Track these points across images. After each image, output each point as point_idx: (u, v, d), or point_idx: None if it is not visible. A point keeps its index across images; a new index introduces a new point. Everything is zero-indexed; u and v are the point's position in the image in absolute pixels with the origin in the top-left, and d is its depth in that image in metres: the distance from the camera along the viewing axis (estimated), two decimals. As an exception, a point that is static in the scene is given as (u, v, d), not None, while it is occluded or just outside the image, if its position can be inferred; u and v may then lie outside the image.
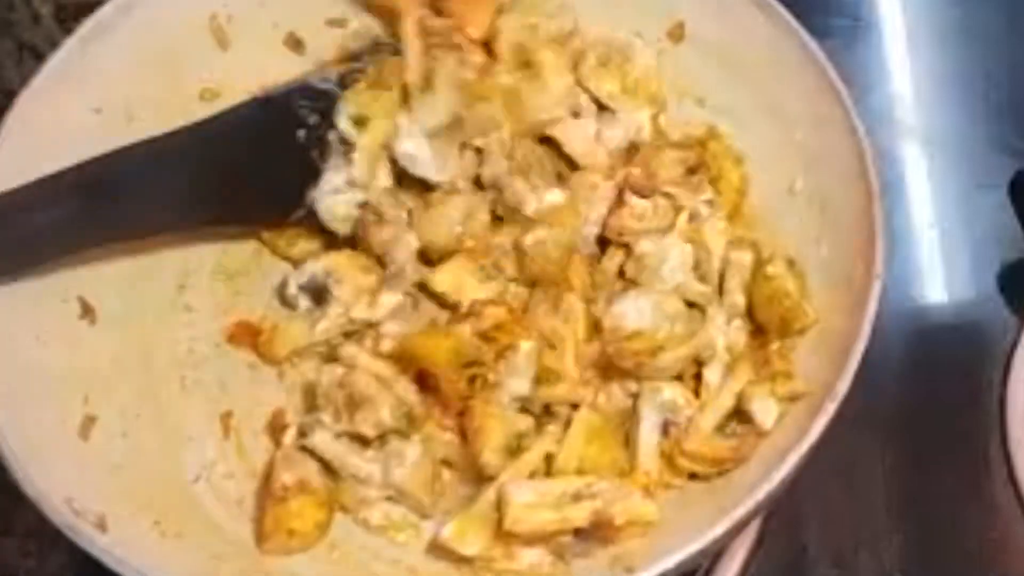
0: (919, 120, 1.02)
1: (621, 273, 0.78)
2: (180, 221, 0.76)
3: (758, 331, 0.77)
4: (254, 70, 0.84)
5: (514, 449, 0.72)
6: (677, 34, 0.84)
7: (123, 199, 0.72)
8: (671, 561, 0.63)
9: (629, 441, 0.74)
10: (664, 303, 0.74)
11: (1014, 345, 0.90)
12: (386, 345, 0.75)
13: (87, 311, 0.76)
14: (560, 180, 0.79)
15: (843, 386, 0.67)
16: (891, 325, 0.91)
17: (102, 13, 0.78)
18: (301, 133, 0.76)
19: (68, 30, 0.78)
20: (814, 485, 0.86)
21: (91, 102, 0.78)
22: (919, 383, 0.90)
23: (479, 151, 0.78)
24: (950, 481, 0.87)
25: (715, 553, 0.82)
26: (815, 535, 0.86)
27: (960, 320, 0.95)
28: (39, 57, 0.76)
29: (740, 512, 0.64)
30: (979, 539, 0.85)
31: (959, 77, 1.03)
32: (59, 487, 0.66)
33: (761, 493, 0.65)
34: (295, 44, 0.85)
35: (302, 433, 0.74)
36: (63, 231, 0.70)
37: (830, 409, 0.67)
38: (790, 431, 0.70)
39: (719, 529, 0.64)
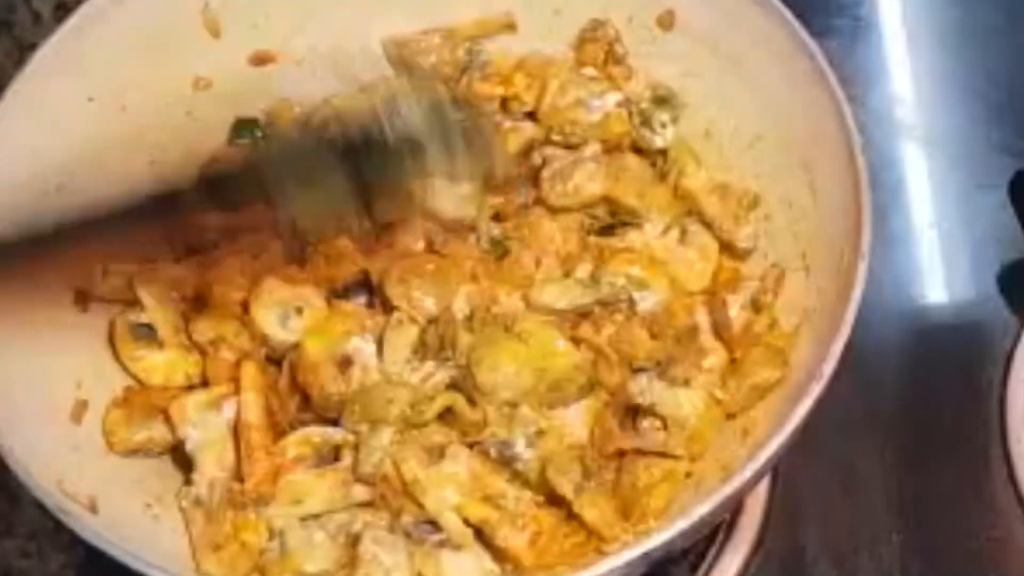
0: (919, 120, 1.02)
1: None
2: None
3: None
4: (247, 59, 0.84)
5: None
6: (667, 21, 0.84)
7: None
8: (649, 544, 0.63)
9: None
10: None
11: (1014, 345, 0.90)
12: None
13: (80, 298, 0.77)
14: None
15: (828, 367, 0.67)
16: (891, 325, 0.92)
17: (94, 2, 0.78)
18: None
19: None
20: (814, 485, 0.87)
21: (84, 90, 0.78)
22: (919, 383, 0.90)
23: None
24: (950, 481, 0.87)
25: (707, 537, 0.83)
26: (815, 535, 0.86)
27: (960, 320, 0.95)
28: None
29: (722, 495, 0.64)
30: (979, 539, 0.85)
31: (959, 77, 1.03)
32: (50, 470, 0.67)
33: (745, 475, 0.65)
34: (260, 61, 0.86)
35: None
36: None
37: (815, 391, 0.66)
38: (774, 416, 0.70)
39: (704, 508, 0.64)
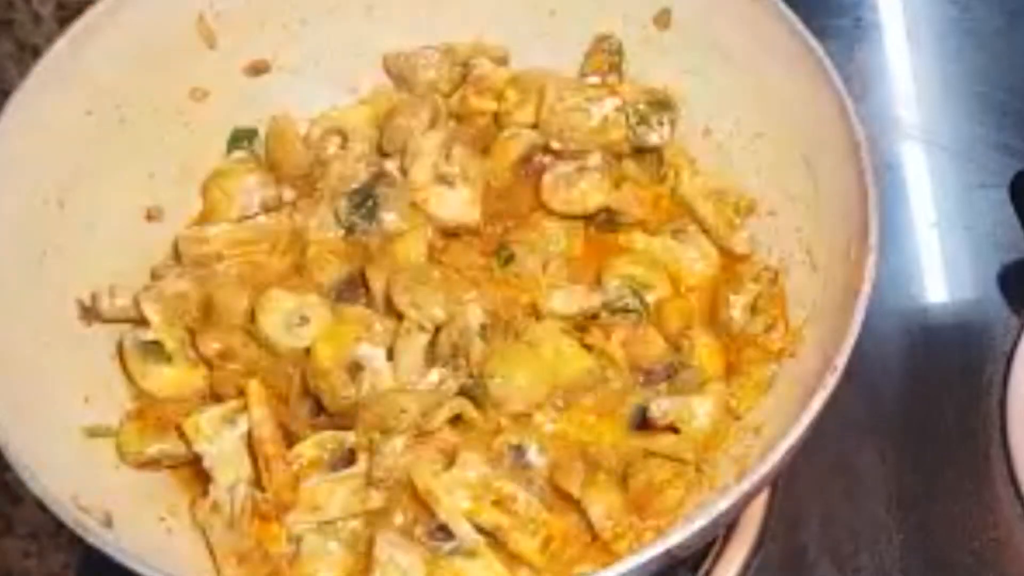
0: (919, 120, 1.02)
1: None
2: None
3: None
4: (243, 69, 0.84)
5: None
6: (664, 20, 0.84)
7: None
8: (670, 542, 0.63)
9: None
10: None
11: (1014, 345, 0.90)
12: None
13: (85, 312, 0.77)
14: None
15: (842, 360, 0.67)
16: (891, 325, 0.92)
17: (89, 16, 0.77)
18: None
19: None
20: (814, 485, 0.87)
21: (82, 105, 0.78)
22: (919, 383, 0.91)
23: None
24: (950, 481, 0.87)
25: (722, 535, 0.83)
26: (815, 535, 0.86)
27: (960, 320, 0.95)
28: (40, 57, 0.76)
29: (740, 491, 0.64)
30: (979, 539, 0.85)
31: (959, 77, 1.03)
32: (64, 485, 0.67)
33: (762, 471, 0.65)
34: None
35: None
36: None
37: (830, 384, 0.66)
38: (785, 412, 0.70)
39: (723, 504, 0.64)
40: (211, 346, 0.75)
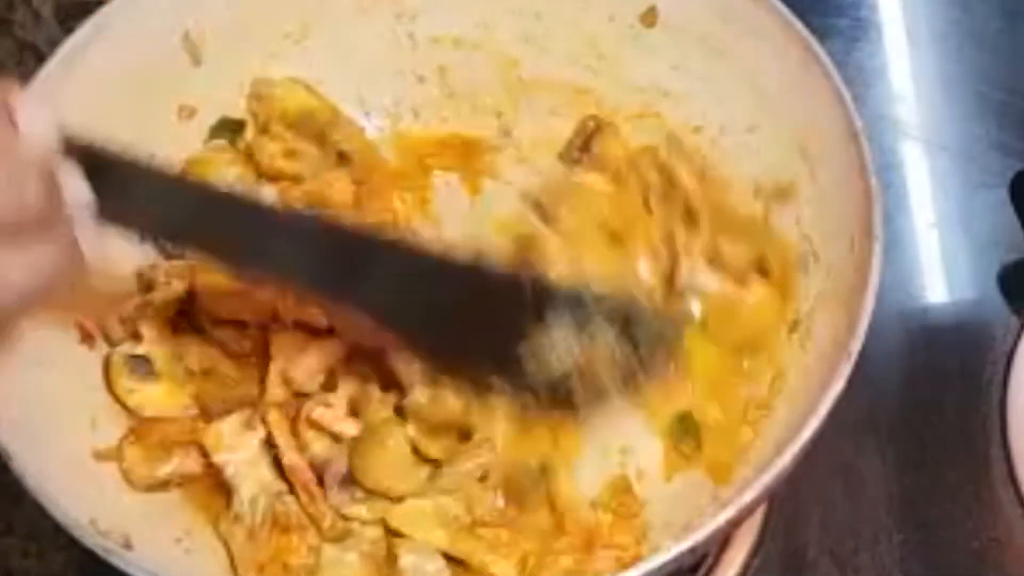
0: (919, 120, 1.02)
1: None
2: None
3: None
4: (229, 85, 0.84)
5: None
6: (650, 19, 0.84)
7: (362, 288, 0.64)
8: (691, 541, 0.63)
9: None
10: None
11: (1014, 345, 0.89)
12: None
13: (86, 336, 0.76)
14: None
15: (856, 346, 0.66)
16: (891, 325, 0.92)
17: (76, 36, 0.77)
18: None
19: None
20: (814, 485, 0.87)
21: (71, 125, 0.77)
22: (919, 383, 0.90)
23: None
24: (950, 481, 0.87)
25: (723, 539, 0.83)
26: (815, 535, 0.86)
27: (960, 320, 0.95)
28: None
29: (758, 488, 0.64)
30: (979, 539, 0.85)
31: (959, 77, 1.03)
32: (82, 509, 0.66)
33: (785, 462, 0.65)
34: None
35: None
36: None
37: (845, 371, 0.66)
38: (797, 406, 0.70)
39: (745, 500, 0.64)
40: (200, 362, 0.75)
